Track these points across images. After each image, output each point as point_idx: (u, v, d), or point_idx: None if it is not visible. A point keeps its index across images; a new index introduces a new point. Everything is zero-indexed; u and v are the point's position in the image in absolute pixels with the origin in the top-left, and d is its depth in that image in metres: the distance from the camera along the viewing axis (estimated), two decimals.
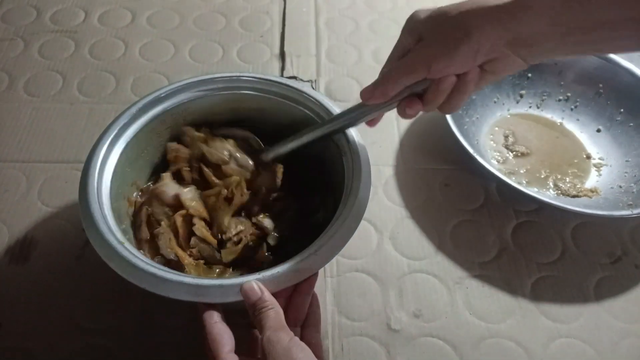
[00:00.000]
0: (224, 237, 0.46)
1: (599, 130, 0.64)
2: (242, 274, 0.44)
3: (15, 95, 0.66)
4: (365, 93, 0.42)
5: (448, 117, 0.56)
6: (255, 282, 0.37)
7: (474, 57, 0.37)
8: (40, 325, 0.47)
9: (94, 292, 0.49)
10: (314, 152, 0.52)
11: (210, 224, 0.48)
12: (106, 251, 0.38)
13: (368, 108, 0.43)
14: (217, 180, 0.48)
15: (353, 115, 0.45)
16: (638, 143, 0.61)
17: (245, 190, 0.48)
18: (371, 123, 0.46)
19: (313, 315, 0.41)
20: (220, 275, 0.46)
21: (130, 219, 0.48)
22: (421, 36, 0.39)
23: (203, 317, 0.37)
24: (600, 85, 0.64)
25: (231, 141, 0.50)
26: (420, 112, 0.43)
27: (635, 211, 0.51)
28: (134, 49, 0.72)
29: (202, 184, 0.49)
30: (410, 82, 0.40)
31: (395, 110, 0.41)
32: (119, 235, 0.40)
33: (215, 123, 0.52)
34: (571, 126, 0.66)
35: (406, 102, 0.41)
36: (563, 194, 0.59)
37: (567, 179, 0.60)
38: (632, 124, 0.62)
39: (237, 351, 0.36)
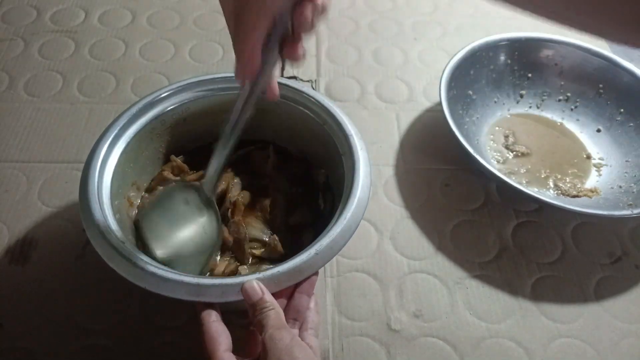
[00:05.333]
0: None
1: (599, 131, 0.64)
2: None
3: (16, 95, 0.66)
4: (239, 77, 0.37)
5: (448, 117, 0.56)
6: (256, 282, 0.37)
7: None
8: (40, 325, 0.47)
9: (94, 292, 0.49)
10: (314, 152, 0.52)
11: None
12: (107, 251, 0.38)
13: (253, 86, 0.39)
14: None
15: (248, 101, 0.40)
16: (638, 143, 0.61)
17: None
18: (270, 95, 0.41)
19: (312, 318, 0.41)
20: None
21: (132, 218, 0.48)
22: None
23: (201, 316, 0.37)
24: (600, 85, 0.64)
25: None
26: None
27: (635, 211, 0.51)
28: (134, 49, 0.72)
29: None
30: (263, 36, 0.35)
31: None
32: (120, 234, 0.40)
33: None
34: (571, 126, 0.66)
35: (284, 51, 0.37)
36: (563, 194, 0.59)
37: (567, 179, 0.60)
38: (632, 124, 0.62)
39: (235, 351, 0.36)
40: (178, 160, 0.52)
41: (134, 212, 0.49)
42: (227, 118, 0.41)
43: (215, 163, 0.44)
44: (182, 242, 0.45)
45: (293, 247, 0.40)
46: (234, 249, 0.46)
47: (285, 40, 0.36)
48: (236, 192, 0.50)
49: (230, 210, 0.48)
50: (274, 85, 0.41)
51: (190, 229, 0.45)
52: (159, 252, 0.44)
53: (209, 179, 0.44)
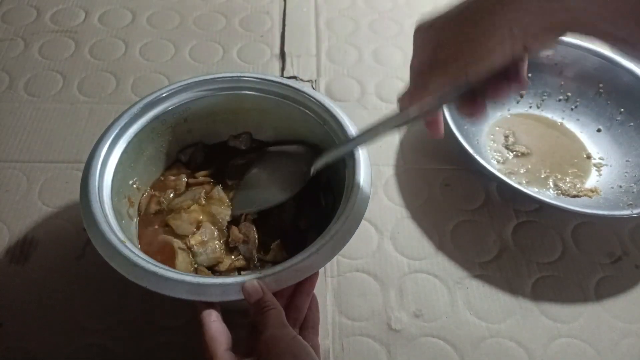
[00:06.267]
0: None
1: (599, 130, 0.64)
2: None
3: (16, 95, 0.66)
4: (400, 102, 0.39)
5: (448, 117, 0.56)
6: (256, 281, 0.37)
7: (510, 46, 0.31)
8: (40, 325, 0.47)
9: (94, 292, 0.49)
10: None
11: None
12: (107, 250, 0.38)
13: (408, 115, 0.39)
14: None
15: (394, 123, 0.41)
16: (638, 143, 0.61)
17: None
18: (435, 132, 0.40)
19: (312, 317, 0.41)
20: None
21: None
22: (439, 42, 0.34)
23: (201, 316, 0.37)
24: (600, 85, 0.64)
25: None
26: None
27: (636, 211, 0.51)
28: (134, 49, 0.72)
29: None
30: (441, 88, 0.35)
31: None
32: (120, 234, 0.40)
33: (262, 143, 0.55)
34: (571, 126, 0.66)
35: (460, 104, 0.36)
36: (563, 194, 0.59)
37: (567, 179, 0.60)
38: (632, 124, 0.62)
39: (235, 350, 0.36)
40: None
41: (134, 212, 0.49)
42: (367, 128, 0.43)
43: (330, 155, 0.46)
44: (262, 187, 0.50)
45: (300, 249, 0.40)
46: (243, 251, 0.47)
47: (467, 97, 0.36)
48: None
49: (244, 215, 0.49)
50: (438, 126, 0.40)
51: (274, 183, 0.50)
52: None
53: (319, 162, 0.46)
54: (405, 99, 0.38)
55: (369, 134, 0.43)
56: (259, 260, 0.46)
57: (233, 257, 0.47)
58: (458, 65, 0.33)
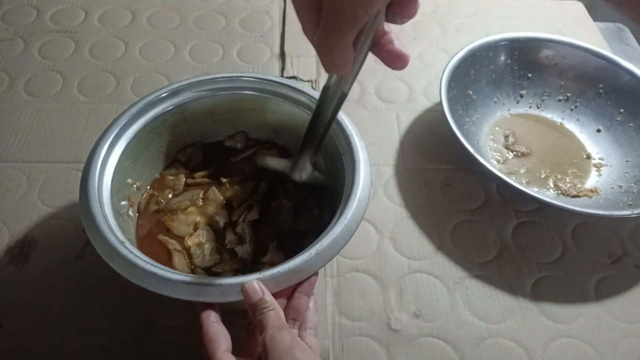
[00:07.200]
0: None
1: (599, 131, 0.64)
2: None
3: (15, 95, 0.66)
4: (330, 70, 0.35)
5: (448, 117, 0.56)
6: (256, 282, 0.37)
7: None
8: (40, 325, 0.47)
9: (94, 292, 0.49)
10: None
11: None
12: (107, 251, 0.38)
13: (340, 81, 0.37)
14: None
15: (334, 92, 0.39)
16: (638, 143, 0.61)
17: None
18: (394, 62, 0.35)
19: (312, 317, 0.41)
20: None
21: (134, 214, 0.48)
22: None
23: (200, 317, 0.37)
24: (600, 85, 0.64)
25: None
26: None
27: (635, 211, 0.51)
28: (134, 49, 0.72)
29: None
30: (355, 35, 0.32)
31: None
32: (120, 234, 0.40)
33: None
34: (571, 126, 0.66)
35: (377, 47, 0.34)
36: (563, 194, 0.59)
37: (567, 179, 0.60)
38: (632, 124, 0.62)
39: (235, 352, 0.36)
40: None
41: (134, 211, 0.49)
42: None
43: (304, 157, 0.44)
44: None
45: (298, 251, 0.40)
46: (241, 252, 0.47)
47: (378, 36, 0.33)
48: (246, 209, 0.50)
49: (243, 217, 0.49)
50: (392, 54, 0.34)
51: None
52: None
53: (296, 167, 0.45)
54: (331, 65, 0.34)
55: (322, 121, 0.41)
56: (256, 262, 0.46)
57: (230, 258, 0.47)
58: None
